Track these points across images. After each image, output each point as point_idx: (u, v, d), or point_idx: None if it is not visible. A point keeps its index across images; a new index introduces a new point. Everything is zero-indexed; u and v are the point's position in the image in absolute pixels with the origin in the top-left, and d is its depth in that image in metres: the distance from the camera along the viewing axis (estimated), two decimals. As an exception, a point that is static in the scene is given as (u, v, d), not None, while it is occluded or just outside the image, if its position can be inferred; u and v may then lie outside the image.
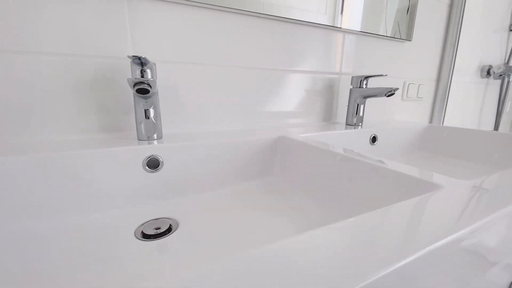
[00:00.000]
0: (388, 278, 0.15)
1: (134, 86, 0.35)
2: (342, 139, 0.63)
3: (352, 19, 0.73)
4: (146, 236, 0.36)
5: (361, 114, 0.72)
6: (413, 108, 0.99)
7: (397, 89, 0.62)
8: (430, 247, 0.16)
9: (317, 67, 0.73)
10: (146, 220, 0.38)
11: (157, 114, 0.47)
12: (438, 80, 1.02)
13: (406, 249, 0.16)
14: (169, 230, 0.37)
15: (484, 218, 0.20)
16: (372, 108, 0.88)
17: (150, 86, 0.37)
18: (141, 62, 0.42)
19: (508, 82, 1.20)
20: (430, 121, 1.06)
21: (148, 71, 0.44)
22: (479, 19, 1.08)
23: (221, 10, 0.56)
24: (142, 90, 0.36)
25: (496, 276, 0.27)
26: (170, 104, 0.56)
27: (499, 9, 1.17)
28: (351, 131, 0.65)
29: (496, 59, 1.23)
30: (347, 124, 0.74)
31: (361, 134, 0.67)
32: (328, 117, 0.80)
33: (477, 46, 1.11)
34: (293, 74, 0.70)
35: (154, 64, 0.46)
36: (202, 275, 0.14)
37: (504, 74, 1.16)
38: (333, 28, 0.71)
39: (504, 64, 1.11)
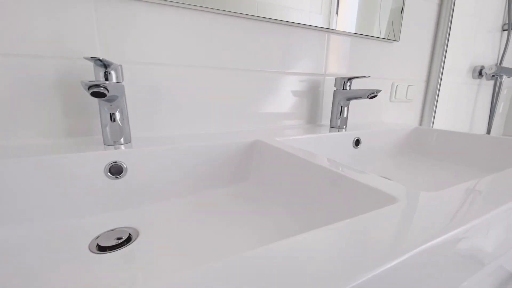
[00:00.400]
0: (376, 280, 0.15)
1: (88, 89, 0.34)
2: (323, 143, 0.61)
3: (346, 19, 0.72)
4: (101, 249, 0.34)
5: (345, 116, 0.70)
6: (402, 110, 0.97)
7: (379, 91, 0.60)
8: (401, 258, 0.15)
9: (303, 68, 0.72)
10: (104, 230, 0.37)
11: (124, 117, 0.45)
12: (428, 81, 1.00)
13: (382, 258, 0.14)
14: (128, 241, 0.35)
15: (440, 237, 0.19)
16: (360, 109, 0.86)
17: (107, 90, 0.35)
18: (103, 63, 0.40)
19: (501, 83, 1.18)
20: (420, 123, 1.04)
21: (113, 73, 0.42)
22: (471, 19, 1.06)
23: (201, 10, 0.54)
24: (98, 93, 0.34)
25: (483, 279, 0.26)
26: (146, 107, 0.54)
27: (492, 9, 1.15)
28: (333, 134, 0.63)
29: (489, 59, 1.21)
30: (331, 126, 0.72)
31: (344, 137, 0.65)
32: (313, 120, 0.78)
33: (469, 46, 1.10)
34: (278, 76, 0.68)
35: (120, 65, 0.44)
36: (193, 276, 0.14)
37: (496, 75, 1.14)
38: (317, 28, 0.69)
39: (496, 64, 1.09)
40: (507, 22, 1.21)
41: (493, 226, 0.23)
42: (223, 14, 0.57)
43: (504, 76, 1.18)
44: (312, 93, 0.76)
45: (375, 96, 0.61)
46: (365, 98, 0.62)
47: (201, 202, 0.43)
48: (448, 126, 1.14)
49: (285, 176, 0.41)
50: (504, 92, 1.31)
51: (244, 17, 0.60)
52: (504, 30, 1.23)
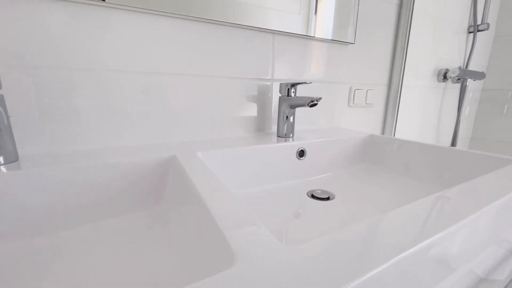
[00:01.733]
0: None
1: None
2: (260, 156, 0.56)
3: (303, 21, 0.69)
4: None
5: (291, 123, 0.65)
6: (363, 115, 0.93)
7: (319, 98, 0.56)
8: None
9: (249, 73, 0.66)
10: None
11: (2, 132, 0.38)
12: (389, 84, 0.97)
13: None
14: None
15: None
16: (318, 115, 0.82)
17: None
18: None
19: (465, 86, 1.17)
20: (383, 128, 1.01)
21: (-20, 81, 0.36)
22: (434, 21, 1.04)
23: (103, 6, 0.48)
24: None
25: None
26: (47, 117, 0.47)
27: (457, 11, 1.13)
28: (274, 145, 0.58)
29: (456, 62, 1.20)
30: (278, 135, 0.67)
31: (286, 148, 0.60)
32: (261, 128, 0.72)
33: (433, 49, 1.07)
34: (222, 80, 0.62)
35: (-6, 72, 0.37)
36: None
37: (461, 78, 1.13)
38: (263, 30, 0.64)
39: (459, 67, 1.07)
40: (472, 25, 1.20)
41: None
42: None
43: (469, 79, 1.16)
44: (261, 99, 0.70)
45: (315, 104, 0.56)
46: (306, 106, 0.57)
47: (96, 233, 0.37)
48: (415, 130, 1.12)
49: (183, 205, 0.35)
50: (470, 95, 1.30)
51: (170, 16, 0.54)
52: (470, 33, 1.21)
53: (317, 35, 0.72)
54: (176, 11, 0.52)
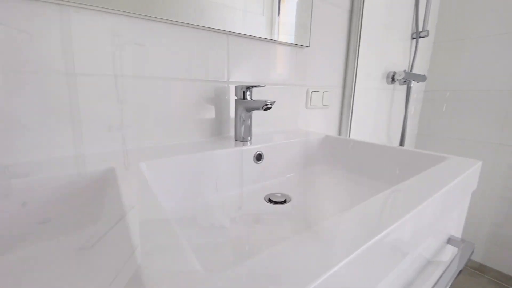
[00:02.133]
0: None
1: None
2: (215, 162, 0.54)
3: (284, 24, 0.70)
4: None
5: (248, 126, 0.64)
6: (321, 117, 0.96)
7: (273, 102, 0.55)
8: None
9: (205, 74, 0.63)
10: None
11: None
12: (344, 87, 1.01)
13: None
14: None
15: None
16: (276, 117, 0.82)
17: None
18: None
19: (410, 87, 1.27)
20: (339, 128, 1.05)
21: None
22: (383, 27, 1.11)
23: None
24: None
25: None
26: None
27: (402, 18, 1.23)
28: (230, 150, 0.56)
29: (402, 66, 1.30)
30: (236, 139, 0.65)
31: (243, 153, 0.58)
32: (219, 131, 0.70)
33: (383, 53, 1.15)
34: (175, 82, 0.58)
35: None
36: None
37: (406, 80, 1.22)
38: (217, 30, 0.61)
39: (404, 71, 1.16)
40: (415, 31, 1.31)
41: None
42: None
43: (413, 81, 1.27)
44: (218, 102, 0.68)
45: (269, 108, 0.55)
46: (260, 109, 0.56)
47: (27, 260, 0.31)
48: (369, 130, 1.19)
49: (108, 230, 0.31)
50: (414, 96, 1.42)
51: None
52: (413, 39, 1.33)
53: (277, 37, 0.72)
54: (124, 8, 0.47)
